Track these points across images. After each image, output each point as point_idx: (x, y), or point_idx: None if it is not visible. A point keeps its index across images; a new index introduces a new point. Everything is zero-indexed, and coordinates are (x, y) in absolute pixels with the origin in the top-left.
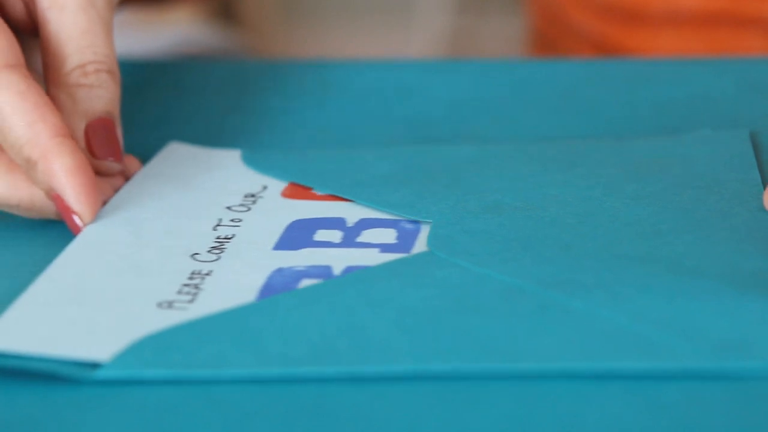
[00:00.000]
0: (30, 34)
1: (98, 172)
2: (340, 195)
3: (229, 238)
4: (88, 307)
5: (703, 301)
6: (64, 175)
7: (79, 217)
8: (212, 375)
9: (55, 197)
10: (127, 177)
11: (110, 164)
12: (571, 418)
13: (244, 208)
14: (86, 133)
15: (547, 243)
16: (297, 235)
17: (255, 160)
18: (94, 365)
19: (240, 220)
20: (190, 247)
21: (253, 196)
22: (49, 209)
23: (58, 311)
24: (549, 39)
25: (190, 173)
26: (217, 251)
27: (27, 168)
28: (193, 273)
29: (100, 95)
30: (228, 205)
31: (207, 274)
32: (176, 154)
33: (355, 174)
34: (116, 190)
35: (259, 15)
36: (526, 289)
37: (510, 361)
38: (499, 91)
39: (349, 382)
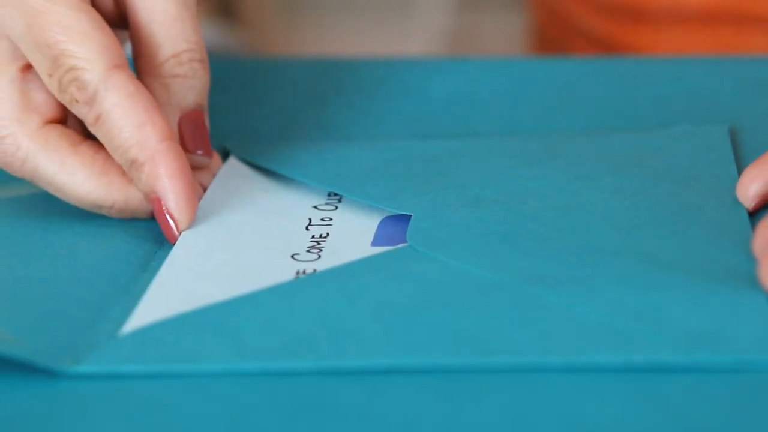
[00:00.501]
0: (118, 26)
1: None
2: (323, 187)
3: (325, 237)
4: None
5: (677, 293)
6: (169, 180)
7: (175, 223)
8: (190, 369)
9: (155, 200)
10: (213, 173)
11: (200, 158)
12: (551, 413)
13: (332, 207)
14: (179, 126)
15: (525, 237)
16: (391, 231)
17: (241, 149)
18: (75, 359)
19: (330, 219)
20: (288, 247)
21: (336, 194)
22: (142, 211)
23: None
24: (550, 37)
25: (267, 174)
26: (315, 250)
27: (131, 170)
28: (297, 273)
29: (193, 86)
30: (315, 204)
31: (312, 273)
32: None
33: (338, 167)
34: (205, 187)
35: (259, 12)
36: (504, 284)
37: (486, 356)
38: (499, 89)
39: (327, 375)
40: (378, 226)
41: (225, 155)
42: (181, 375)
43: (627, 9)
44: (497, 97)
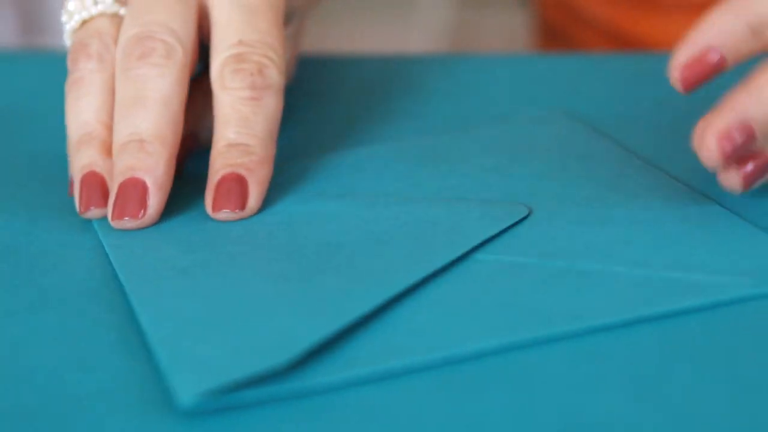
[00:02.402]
0: None
1: None
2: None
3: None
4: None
5: (683, 243)
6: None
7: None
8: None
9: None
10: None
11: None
12: (551, 412)
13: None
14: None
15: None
16: None
17: None
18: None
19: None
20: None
21: None
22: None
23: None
24: (557, 29)
25: None
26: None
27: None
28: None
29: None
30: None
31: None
32: None
33: None
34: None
35: None
36: (529, 263)
37: (566, 325)
38: (501, 86)
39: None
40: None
41: None
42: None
43: None
44: (499, 93)
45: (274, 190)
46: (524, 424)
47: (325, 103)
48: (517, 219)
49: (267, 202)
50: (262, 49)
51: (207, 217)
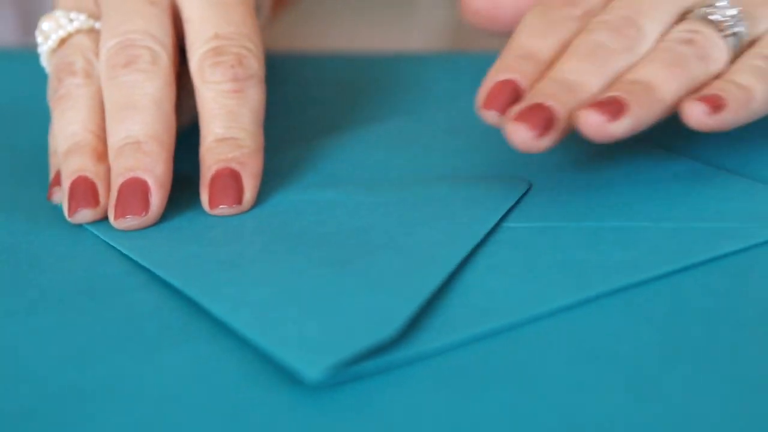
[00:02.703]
0: None
1: None
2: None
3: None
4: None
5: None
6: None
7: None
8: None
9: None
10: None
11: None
12: (551, 411)
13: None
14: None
15: None
16: None
17: None
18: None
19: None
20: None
21: None
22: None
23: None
24: None
25: None
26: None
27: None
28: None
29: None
30: None
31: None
32: None
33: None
34: None
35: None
36: (553, 227)
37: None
38: None
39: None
40: None
41: None
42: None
43: None
44: None
45: (268, 181)
46: (524, 424)
47: (325, 103)
48: (522, 192)
49: (260, 194)
50: (239, 41)
51: (206, 214)
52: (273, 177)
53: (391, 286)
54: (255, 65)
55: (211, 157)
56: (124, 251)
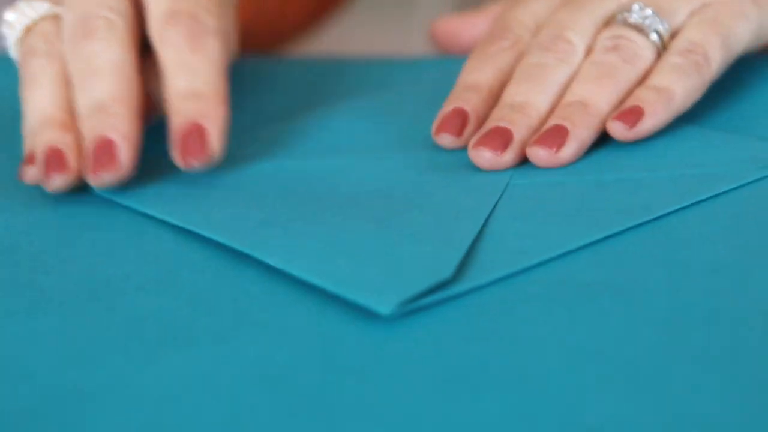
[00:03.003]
0: None
1: None
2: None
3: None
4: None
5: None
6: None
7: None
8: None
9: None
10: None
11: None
12: (551, 410)
13: None
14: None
15: None
16: None
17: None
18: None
19: None
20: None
21: None
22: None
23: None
24: None
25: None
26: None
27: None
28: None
29: None
30: None
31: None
32: None
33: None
34: None
35: None
36: (559, 181)
37: (632, 220)
38: None
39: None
40: None
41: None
42: None
43: None
44: None
45: (266, 151)
46: (524, 424)
47: (324, 105)
48: None
49: (270, 157)
50: (195, 1)
51: (227, 181)
52: (271, 146)
53: (435, 237)
54: (211, 21)
55: (176, 112)
56: (166, 219)
